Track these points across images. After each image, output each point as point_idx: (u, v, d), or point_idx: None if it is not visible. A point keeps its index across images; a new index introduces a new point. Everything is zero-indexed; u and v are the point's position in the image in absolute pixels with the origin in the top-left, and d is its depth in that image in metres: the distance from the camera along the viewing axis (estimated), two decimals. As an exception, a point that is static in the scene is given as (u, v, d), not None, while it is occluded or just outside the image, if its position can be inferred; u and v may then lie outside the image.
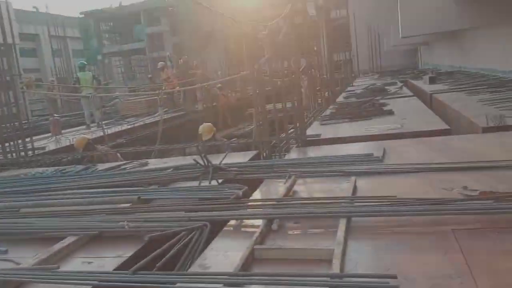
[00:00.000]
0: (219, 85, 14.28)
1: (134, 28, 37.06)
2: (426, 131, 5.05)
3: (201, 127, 6.18)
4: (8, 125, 6.62)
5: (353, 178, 3.37)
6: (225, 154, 4.18)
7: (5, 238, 3.04)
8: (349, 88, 14.25)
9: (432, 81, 11.18)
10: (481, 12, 9.62)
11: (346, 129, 6.08)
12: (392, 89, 11.24)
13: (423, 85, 11.36)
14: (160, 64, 15.32)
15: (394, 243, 2.29)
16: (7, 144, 6.61)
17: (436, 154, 4.05)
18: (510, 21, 9.21)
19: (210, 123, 6.36)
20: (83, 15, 37.82)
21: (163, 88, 13.43)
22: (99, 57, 36.90)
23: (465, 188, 2.95)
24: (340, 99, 10.96)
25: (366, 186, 3.30)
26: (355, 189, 3.21)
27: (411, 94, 9.88)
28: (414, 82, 13.46)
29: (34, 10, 39.29)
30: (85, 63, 12.74)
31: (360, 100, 9.20)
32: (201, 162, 3.79)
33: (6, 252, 2.80)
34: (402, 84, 13.05)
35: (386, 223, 2.54)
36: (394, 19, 12.63)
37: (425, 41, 19.02)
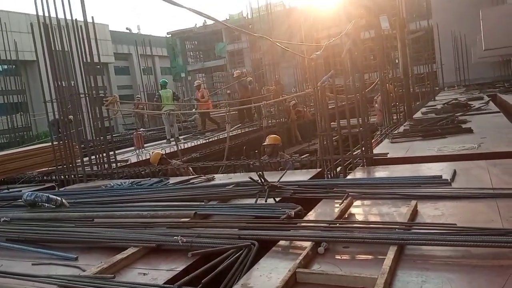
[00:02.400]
0: (293, 100, 14.35)
1: (216, 46, 38.75)
2: (505, 152, 4.65)
3: (267, 137, 6.45)
4: (96, 138, 7.28)
5: (413, 202, 3.21)
6: (284, 171, 4.20)
7: (78, 246, 3.33)
8: (430, 103, 13.57)
9: (523, 95, 10.24)
10: None
11: (416, 148, 5.80)
12: (476, 104, 10.50)
13: (512, 99, 10.47)
14: (196, 82, 14.98)
15: (446, 275, 2.15)
16: (93, 157, 7.27)
17: (513, 178, 3.73)
18: None
19: (276, 136, 6.51)
20: (170, 35, 40.37)
21: (195, 107, 13.65)
22: (183, 74, 39.00)
23: (538, 218, 2.69)
24: (418, 114, 10.47)
25: (427, 211, 3.12)
26: (414, 214, 3.06)
27: (496, 110, 9.14)
28: (504, 96, 12.44)
29: (127, 31, 42.79)
30: (167, 81, 13.54)
31: (438, 116, 8.71)
32: (258, 179, 3.85)
33: (76, 259, 3.07)
34: (489, 99, 12.12)
35: (441, 253, 2.40)
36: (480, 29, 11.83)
37: (518, 52, 17.49)
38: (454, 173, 4.04)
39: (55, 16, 6.74)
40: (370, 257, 2.49)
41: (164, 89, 12.65)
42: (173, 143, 11.54)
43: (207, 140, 11.54)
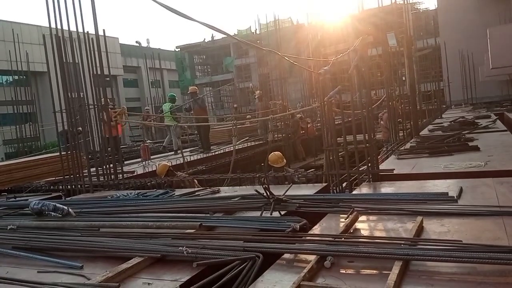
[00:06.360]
0: (299, 115, 14.40)
1: (224, 60, 39.12)
2: (511, 170, 4.64)
3: (270, 156, 6.41)
4: (103, 149, 7.34)
5: (419, 218, 3.20)
6: (289, 185, 4.21)
7: (83, 255, 3.35)
8: (437, 120, 13.58)
9: (530, 114, 10.21)
10: None
11: (423, 165, 5.79)
12: (483, 122, 10.48)
13: (520, 118, 10.44)
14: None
15: (451, 292, 2.15)
16: (100, 168, 7.32)
17: (520, 196, 3.71)
18: None
19: (279, 152, 6.50)
20: (179, 49, 40.81)
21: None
22: (191, 88, 39.18)
23: (545, 237, 2.67)
24: (424, 132, 10.47)
25: (433, 227, 3.11)
26: (420, 230, 3.05)
27: (504, 129, 9.12)
28: (511, 115, 12.41)
29: (137, 44, 43.35)
30: (175, 95, 13.68)
31: (445, 134, 8.70)
32: (264, 192, 3.86)
33: (81, 267, 3.09)
34: (496, 117, 12.09)
35: (446, 269, 2.38)
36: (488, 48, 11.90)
37: (526, 71, 17.49)
38: (461, 190, 4.03)
39: (67, 28, 6.87)
40: (375, 272, 2.48)
41: (172, 103, 12.86)
42: (179, 155, 11.59)
43: (214, 153, 11.57)
